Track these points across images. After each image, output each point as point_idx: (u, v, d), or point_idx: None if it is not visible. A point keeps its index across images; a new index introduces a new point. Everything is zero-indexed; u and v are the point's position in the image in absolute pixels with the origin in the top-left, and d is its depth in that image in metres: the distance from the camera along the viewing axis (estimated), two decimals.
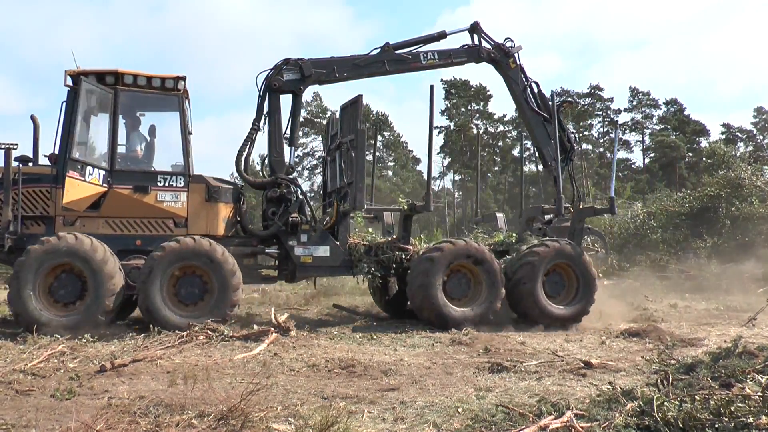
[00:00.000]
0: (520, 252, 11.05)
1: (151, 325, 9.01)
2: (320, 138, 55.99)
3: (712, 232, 21.88)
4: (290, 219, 10.56)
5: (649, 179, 56.31)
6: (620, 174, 61.99)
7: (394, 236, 11.36)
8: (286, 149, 10.95)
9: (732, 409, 4.30)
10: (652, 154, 62.04)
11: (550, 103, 12.10)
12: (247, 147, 10.86)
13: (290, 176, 10.95)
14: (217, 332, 8.75)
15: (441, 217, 50.16)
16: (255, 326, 9.31)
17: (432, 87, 10.62)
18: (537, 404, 5.10)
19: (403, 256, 10.82)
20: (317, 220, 11.09)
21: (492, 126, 58.72)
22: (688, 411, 4.32)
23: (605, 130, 63.03)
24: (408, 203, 11.12)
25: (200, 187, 10.25)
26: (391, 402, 5.59)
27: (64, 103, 9.71)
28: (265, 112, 10.91)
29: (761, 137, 63.27)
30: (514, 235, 12.03)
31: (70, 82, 9.77)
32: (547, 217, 12.50)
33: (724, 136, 61.06)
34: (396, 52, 11.54)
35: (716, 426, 4.13)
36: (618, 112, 62.62)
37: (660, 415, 4.30)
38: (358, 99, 11.05)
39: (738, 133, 63.05)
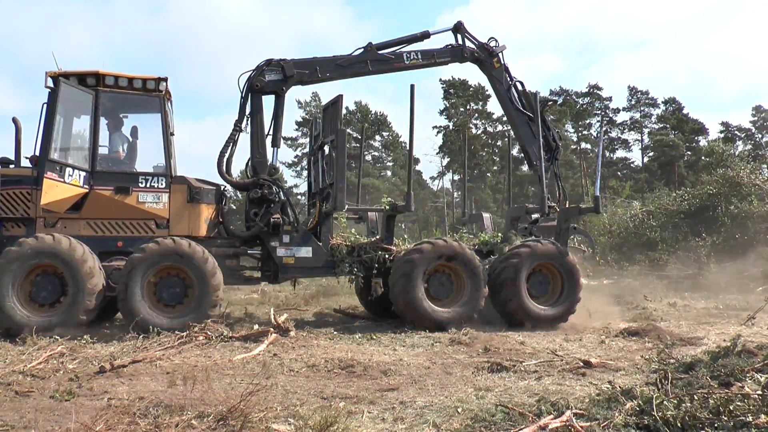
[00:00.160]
0: (503, 252, 11.01)
1: (150, 326, 8.99)
2: None
3: (711, 230, 21.91)
4: (272, 220, 10.53)
5: (648, 178, 56.37)
6: (619, 173, 62.12)
7: (377, 236, 11.32)
8: (269, 150, 10.92)
9: (731, 408, 4.31)
10: (651, 153, 62.09)
11: (536, 102, 12.07)
12: (229, 148, 10.79)
13: (273, 177, 10.87)
14: (216, 333, 8.76)
15: (440, 216, 50.16)
16: (255, 327, 9.31)
17: (412, 87, 10.60)
18: (536, 404, 5.10)
19: (386, 257, 10.78)
20: (299, 221, 11.06)
21: (491, 126, 58.72)
22: (687, 410, 4.32)
23: (604, 129, 63.06)
24: (390, 203, 11.04)
25: (182, 188, 10.22)
26: (390, 402, 5.59)
27: (45, 105, 9.68)
28: (247, 113, 10.87)
29: (760, 136, 63.30)
30: (499, 235, 11.97)
31: (50, 83, 9.74)
32: (534, 216, 12.45)
33: (722, 135, 61.13)
34: (379, 52, 11.49)
35: (715, 425, 4.14)
36: (617, 111, 62.77)
37: (659, 414, 4.30)
38: (338, 99, 11.03)
39: (737, 132, 63.11)
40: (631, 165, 63.79)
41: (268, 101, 11.05)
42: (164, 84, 10.31)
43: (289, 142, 53.99)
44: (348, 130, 57.11)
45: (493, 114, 57.83)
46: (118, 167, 10.42)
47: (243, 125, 10.87)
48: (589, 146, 61.96)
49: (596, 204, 11.60)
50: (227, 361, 7.39)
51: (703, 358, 6.77)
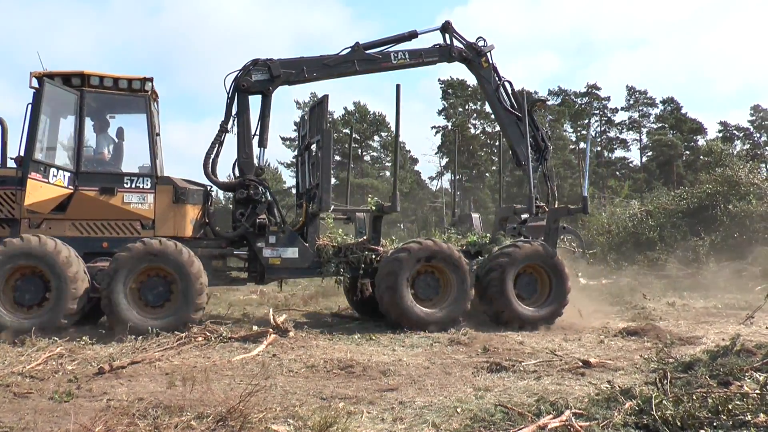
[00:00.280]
0: (491, 253, 10.96)
1: (148, 328, 8.98)
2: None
3: (709, 230, 21.90)
4: (258, 220, 10.50)
5: (646, 178, 56.41)
6: (618, 173, 62.16)
7: (364, 237, 11.29)
8: (256, 150, 10.86)
9: (730, 407, 4.32)
10: (650, 153, 62.09)
11: (523, 102, 12.05)
12: (215, 149, 10.73)
13: (260, 178, 10.82)
14: (215, 333, 8.76)
15: (439, 216, 50.17)
16: (254, 327, 9.30)
17: (398, 86, 10.57)
18: (536, 404, 5.11)
19: (373, 257, 10.73)
20: (286, 221, 11.01)
21: (489, 126, 58.72)
22: (686, 409, 4.33)
23: (602, 129, 63.15)
24: (376, 204, 10.97)
25: (167, 189, 10.17)
26: (389, 402, 5.59)
27: (30, 105, 9.63)
28: (234, 113, 10.82)
29: (758, 135, 63.35)
30: (487, 235, 11.93)
31: (35, 83, 9.68)
32: (523, 216, 12.37)
33: (721, 135, 61.17)
34: (366, 51, 11.45)
35: (714, 424, 4.15)
36: (615, 111, 62.77)
37: (658, 413, 4.31)
38: (324, 99, 10.99)
39: (735, 131, 63.13)
40: (630, 165, 63.81)
41: (255, 102, 11.03)
42: (150, 84, 10.27)
43: (287, 142, 53.93)
44: (346, 131, 57.13)
45: (492, 114, 57.84)
46: (104, 168, 10.35)
47: (229, 126, 10.80)
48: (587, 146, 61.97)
49: (584, 204, 11.52)
50: (226, 362, 7.39)
51: (702, 357, 6.78)
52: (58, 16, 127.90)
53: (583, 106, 61.11)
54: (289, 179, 56.65)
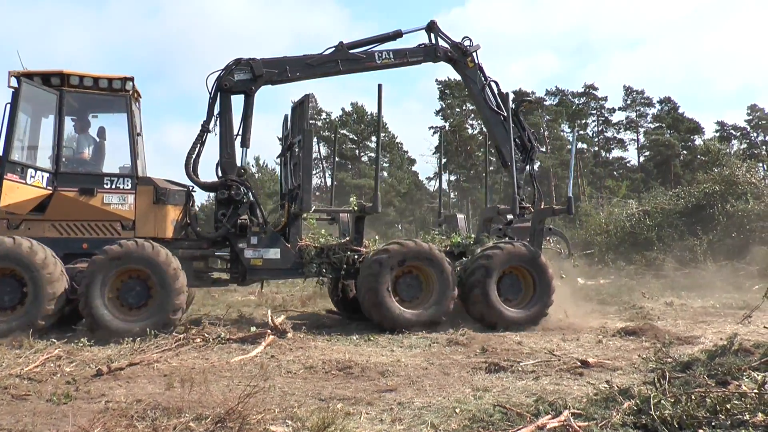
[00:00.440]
0: (474, 254, 10.90)
1: (147, 329, 8.97)
2: (314, 140, 55.96)
3: (707, 229, 21.94)
4: (239, 221, 10.44)
5: (644, 178, 56.48)
6: (615, 173, 62.21)
7: (347, 238, 11.22)
8: (238, 151, 10.78)
9: (728, 406, 4.32)
10: (647, 153, 62.20)
11: (510, 102, 11.98)
12: (197, 148, 10.64)
13: (242, 178, 10.73)
14: (213, 335, 8.75)
15: (437, 217, 50.12)
16: (252, 328, 9.28)
17: (380, 86, 10.54)
18: (534, 404, 5.11)
19: (356, 258, 10.68)
20: (268, 222, 10.94)
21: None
22: (684, 409, 4.33)
23: (600, 129, 63.22)
24: (358, 204, 10.90)
25: (148, 189, 10.08)
26: (388, 403, 5.59)
27: (8, 105, 9.54)
28: (216, 113, 10.74)
29: (755, 134, 63.48)
30: (472, 236, 11.84)
31: (14, 83, 9.60)
32: (509, 217, 12.25)
33: (718, 134, 61.31)
34: (350, 51, 11.39)
35: (713, 424, 4.15)
36: (612, 111, 62.88)
37: (657, 413, 4.31)
38: (305, 99, 10.93)
39: (732, 131, 63.28)
40: (627, 164, 63.92)
41: (242, 102, 10.93)
42: (130, 84, 10.19)
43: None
44: (344, 132, 57.00)
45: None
46: (83, 168, 10.26)
47: (211, 125, 10.72)
48: (585, 146, 62.07)
49: (569, 205, 11.42)
50: (225, 363, 7.38)
51: (700, 356, 6.78)
52: (56, 17, 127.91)
53: (580, 106, 61.17)
54: None
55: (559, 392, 5.87)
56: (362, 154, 58.70)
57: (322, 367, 7.23)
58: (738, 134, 63.37)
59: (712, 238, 21.35)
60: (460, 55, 11.99)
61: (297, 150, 11.01)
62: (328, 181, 56.07)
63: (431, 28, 11.92)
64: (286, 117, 11.93)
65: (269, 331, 9.08)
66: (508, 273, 10.77)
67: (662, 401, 4.51)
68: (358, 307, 10.79)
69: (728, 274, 18.35)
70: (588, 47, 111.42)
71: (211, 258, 10.97)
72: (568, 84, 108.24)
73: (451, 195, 57.04)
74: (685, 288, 17.31)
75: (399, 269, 10.30)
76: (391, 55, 11.57)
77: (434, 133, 56.79)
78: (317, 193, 41.89)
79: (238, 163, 10.75)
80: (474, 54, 12.03)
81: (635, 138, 63.59)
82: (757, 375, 5.38)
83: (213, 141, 10.73)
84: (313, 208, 10.99)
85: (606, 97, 62.34)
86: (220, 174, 10.75)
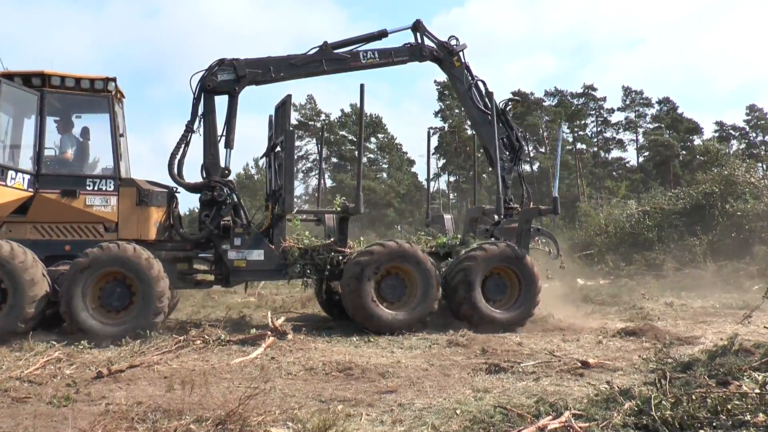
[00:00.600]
0: (459, 255, 10.81)
1: (147, 331, 8.96)
2: (314, 141, 56.03)
3: (707, 230, 21.92)
4: (222, 222, 10.39)
5: (643, 178, 56.49)
6: (614, 173, 62.23)
7: (332, 239, 11.15)
8: (222, 152, 10.72)
9: (729, 406, 4.32)
10: (646, 153, 62.24)
11: (498, 102, 11.91)
12: (181, 149, 10.57)
13: (226, 179, 10.68)
14: (213, 336, 8.74)
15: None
16: (252, 330, 9.28)
17: (362, 86, 10.50)
18: (535, 405, 5.11)
19: (340, 259, 10.61)
20: (252, 223, 10.86)
21: None
22: (685, 409, 4.33)
23: (599, 129, 63.24)
24: (341, 205, 10.86)
25: (131, 191, 9.99)
26: (389, 404, 5.59)
27: None
28: (200, 113, 10.67)
29: (754, 134, 63.54)
30: (458, 236, 11.78)
31: None
32: (497, 217, 12.10)
33: (717, 134, 61.38)
34: (335, 51, 11.33)
35: (714, 424, 4.15)
36: (611, 111, 62.91)
37: (658, 414, 4.31)
38: (287, 99, 10.87)
39: (731, 131, 63.37)
40: (627, 165, 63.97)
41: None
42: (113, 84, 10.08)
43: None
44: (343, 133, 57.00)
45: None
46: (65, 170, 10.16)
47: (195, 126, 10.64)
48: (584, 146, 62.11)
49: (555, 205, 11.37)
50: (225, 365, 7.38)
51: (701, 357, 6.78)
52: (55, 18, 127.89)
53: (579, 106, 61.20)
54: None
55: (560, 393, 5.87)
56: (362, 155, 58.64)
57: (322, 368, 7.23)
58: (737, 134, 63.48)
59: (711, 238, 21.34)
60: (446, 55, 11.91)
61: (279, 151, 10.96)
62: (329, 182, 56.17)
63: (417, 27, 11.83)
64: (271, 117, 11.88)
65: (269, 332, 9.07)
66: (493, 274, 10.70)
67: (663, 402, 4.51)
68: (343, 308, 10.76)
69: (728, 274, 18.35)
70: (587, 47, 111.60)
71: (195, 259, 10.90)
72: (567, 84, 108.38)
73: (451, 196, 57.15)
74: (685, 288, 17.31)
75: (382, 270, 10.24)
76: (376, 55, 11.50)
77: (434, 134, 56.89)
78: (316, 195, 41.97)
79: (222, 164, 10.69)
80: (460, 53, 11.96)
81: (634, 138, 63.68)
82: (758, 375, 5.39)
83: (199, 142, 10.68)
84: (295, 209, 10.96)
85: (605, 97, 62.46)
86: (203, 175, 10.68)
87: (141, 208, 10.03)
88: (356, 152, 10.68)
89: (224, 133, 10.72)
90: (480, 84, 12.06)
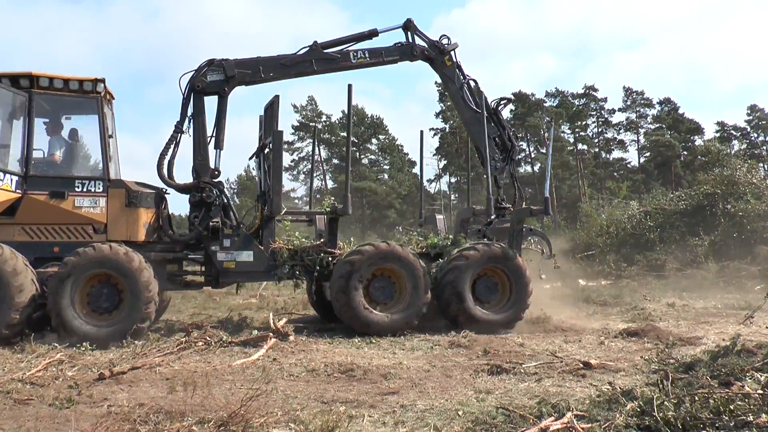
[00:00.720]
0: (449, 256, 10.77)
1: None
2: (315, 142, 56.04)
3: (708, 230, 21.90)
4: (211, 223, 10.36)
5: (644, 178, 56.51)
6: (616, 174, 62.22)
7: (322, 239, 11.11)
8: (212, 152, 10.69)
9: (732, 407, 4.32)
10: (648, 154, 62.22)
11: (490, 101, 11.89)
12: (170, 150, 10.54)
13: (215, 180, 10.65)
14: (215, 338, 8.75)
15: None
16: (254, 331, 9.28)
17: (350, 86, 10.50)
18: (537, 406, 5.11)
19: (330, 260, 10.57)
20: (241, 224, 10.85)
21: None
22: (688, 410, 4.33)
23: (600, 130, 63.24)
24: (330, 206, 10.81)
25: (120, 192, 9.95)
26: (391, 406, 5.59)
27: None
28: (189, 114, 10.64)
29: (755, 135, 63.51)
30: (450, 237, 11.70)
31: None
32: (490, 217, 11.99)
33: (718, 134, 61.36)
34: (325, 51, 11.29)
35: (716, 425, 4.14)
36: (612, 112, 62.90)
37: (660, 414, 4.31)
38: (275, 100, 10.84)
39: (732, 131, 63.34)
40: (628, 165, 63.98)
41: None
42: (101, 85, 10.04)
43: (285, 146, 53.97)
44: (344, 134, 56.95)
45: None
46: (54, 171, 10.11)
47: (184, 127, 10.61)
48: (585, 147, 62.09)
49: (546, 205, 11.35)
50: (227, 367, 7.38)
51: (703, 357, 6.78)
52: (56, 20, 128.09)
53: (580, 107, 61.19)
54: (287, 182, 56.69)
55: (562, 394, 5.87)
56: (362, 156, 58.76)
57: (324, 369, 7.23)
58: (738, 134, 63.45)
59: (713, 239, 21.31)
60: (438, 54, 11.86)
61: (268, 152, 10.94)
62: (330, 184, 56.21)
63: (408, 26, 11.79)
64: (261, 117, 11.87)
65: (271, 334, 9.07)
66: (484, 275, 10.64)
67: (665, 402, 4.51)
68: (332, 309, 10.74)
69: (730, 275, 18.31)
70: (588, 48, 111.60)
71: (185, 261, 10.88)
72: (567, 85, 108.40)
73: (452, 197, 57.13)
74: (687, 289, 17.27)
75: (371, 271, 10.21)
76: (367, 55, 11.46)
77: (434, 134, 56.90)
78: (317, 196, 42.00)
79: (212, 165, 10.66)
80: (452, 52, 11.92)
81: (635, 139, 63.67)
82: (761, 376, 5.38)
83: (189, 143, 10.65)
84: (283, 211, 10.94)
85: (606, 98, 62.47)
86: (193, 176, 10.66)
87: (130, 210, 9.97)
88: (345, 153, 10.62)
89: (214, 134, 10.69)
90: (471, 83, 12.03)
